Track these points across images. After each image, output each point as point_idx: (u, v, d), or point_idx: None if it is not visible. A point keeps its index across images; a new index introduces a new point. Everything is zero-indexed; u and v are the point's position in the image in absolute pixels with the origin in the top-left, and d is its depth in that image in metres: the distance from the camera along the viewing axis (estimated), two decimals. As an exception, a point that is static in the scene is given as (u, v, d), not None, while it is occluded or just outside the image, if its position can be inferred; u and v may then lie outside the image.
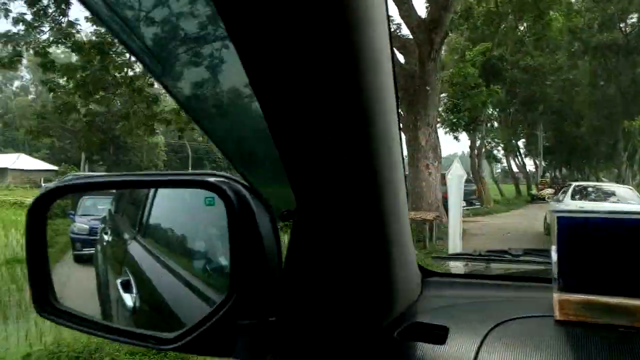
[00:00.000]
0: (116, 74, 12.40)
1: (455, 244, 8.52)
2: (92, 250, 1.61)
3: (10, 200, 23.69)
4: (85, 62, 11.79)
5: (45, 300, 0.82)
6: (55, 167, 41.19)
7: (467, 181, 12.97)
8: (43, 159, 44.21)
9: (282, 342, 0.68)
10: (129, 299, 1.18)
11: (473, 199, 21.35)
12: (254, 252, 0.68)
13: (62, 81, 12.47)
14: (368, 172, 0.58)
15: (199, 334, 0.69)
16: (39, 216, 0.81)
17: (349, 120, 0.51)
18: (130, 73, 12.87)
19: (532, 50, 24.31)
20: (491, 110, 26.70)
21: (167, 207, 1.16)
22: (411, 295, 0.81)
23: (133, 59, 11.79)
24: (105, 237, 1.60)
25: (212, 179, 0.67)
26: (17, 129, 44.01)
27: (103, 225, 1.65)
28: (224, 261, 0.82)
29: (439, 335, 0.68)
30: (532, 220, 15.87)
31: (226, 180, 0.68)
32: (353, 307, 0.69)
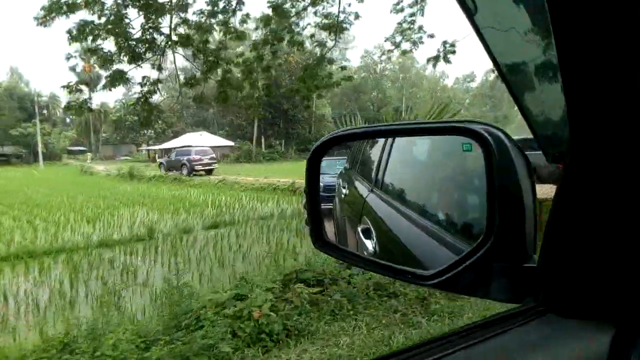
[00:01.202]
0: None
1: None
2: (325, 205, 1.83)
3: (172, 176, 26.34)
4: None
5: (319, 235, 0.98)
6: (231, 143, 45.97)
7: None
8: (224, 136, 49.38)
9: (544, 287, 0.68)
10: (369, 244, 1.32)
11: None
12: (510, 196, 0.69)
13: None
14: None
15: (455, 273, 0.74)
16: (315, 166, 0.97)
17: None
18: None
19: None
20: None
21: (404, 160, 1.24)
22: None
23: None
24: (343, 191, 1.80)
25: (471, 126, 0.70)
26: (206, 110, 50.18)
27: (340, 180, 1.86)
28: (473, 208, 0.85)
29: None
30: None
31: (484, 126, 0.69)
32: (622, 256, 0.65)
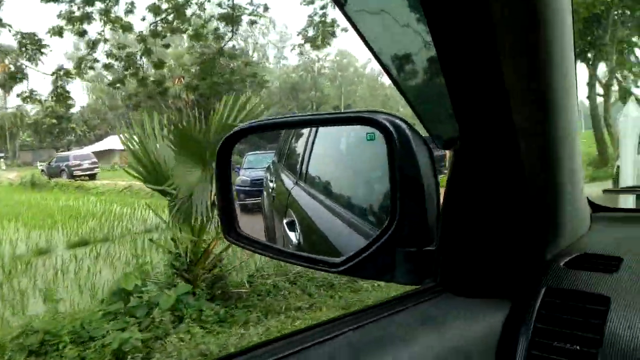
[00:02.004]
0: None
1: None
2: (253, 200, 1.82)
3: (76, 183, 23.89)
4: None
5: (231, 227, 0.97)
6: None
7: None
8: None
9: (441, 269, 0.72)
10: (293, 236, 1.34)
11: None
12: (412, 183, 0.72)
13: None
14: (540, 96, 0.56)
15: (362, 259, 0.77)
16: (225, 155, 0.96)
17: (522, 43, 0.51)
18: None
19: None
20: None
21: (325, 152, 1.26)
22: (579, 229, 0.78)
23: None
24: (271, 185, 1.80)
25: (375, 116, 0.73)
26: (135, 110, 47.64)
27: (268, 175, 1.86)
28: (381, 196, 0.88)
29: (610, 264, 0.65)
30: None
31: (387, 117, 0.72)
32: (514, 238, 0.70)
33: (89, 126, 52.30)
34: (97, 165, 30.51)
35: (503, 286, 0.72)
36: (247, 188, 1.82)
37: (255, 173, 1.89)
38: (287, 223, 1.40)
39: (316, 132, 1.33)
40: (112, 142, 43.85)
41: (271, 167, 1.84)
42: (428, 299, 0.70)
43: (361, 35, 0.52)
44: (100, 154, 42.24)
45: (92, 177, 28.28)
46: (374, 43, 0.53)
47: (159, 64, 11.70)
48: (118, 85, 11.47)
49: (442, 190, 0.76)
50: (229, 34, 11.55)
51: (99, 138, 48.67)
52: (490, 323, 0.70)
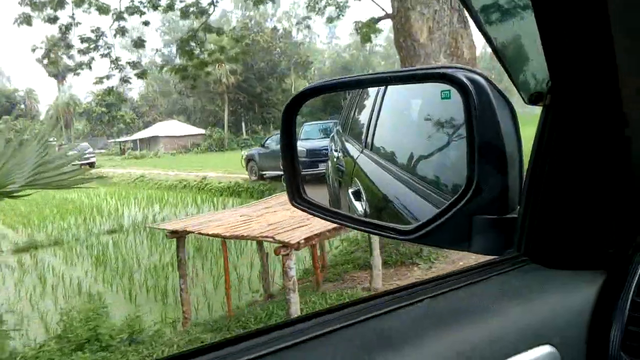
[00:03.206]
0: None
1: None
2: (311, 171, 1.79)
3: (136, 173, 24.40)
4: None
5: (297, 193, 0.96)
6: (202, 131, 43.25)
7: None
8: (194, 124, 46.91)
9: (525, 238, 0.66)
10: (359, 206, 1.31)
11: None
12: (492, 146, 0.66)
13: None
14: None
15: (435, 226, 0.72)
16: (289, 121, 0.94)
17: None
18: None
19: None
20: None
21: (393, 117, 1.21)
22: None
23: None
24: (335, 154, 1.78)
25: (450, 71, 0.66)
26: (187, 97, 47.75)
27: (332, 144, 1.83)
28: (456, 161, 0.82)
29: None
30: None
31: (465, 72, 0.66)
32: (609, 202, 0.62)
33: (138, 114, 53.12)
34: (93, 155, 32.47)
35: (596, 256, 0.65)
36: (303, 159, 1.80)
37: (312, 143, 1.87)
38: (352, 192, 1.38)
39: (382, 97, 1.27)
40: (159, 128, 44.96)
41: (335, 136, 1.81)
42: (510, 270, 0.65)
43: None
44: (145, 141, 43.69)
45: (92, 165, 29.36)
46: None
47: (139, 43, 11.16)
48: (79, 71, 11.11)
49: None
50: (211, 8, 10.71)
51: (147, 125, 50.02)
52: (581, 297, 0.63)
